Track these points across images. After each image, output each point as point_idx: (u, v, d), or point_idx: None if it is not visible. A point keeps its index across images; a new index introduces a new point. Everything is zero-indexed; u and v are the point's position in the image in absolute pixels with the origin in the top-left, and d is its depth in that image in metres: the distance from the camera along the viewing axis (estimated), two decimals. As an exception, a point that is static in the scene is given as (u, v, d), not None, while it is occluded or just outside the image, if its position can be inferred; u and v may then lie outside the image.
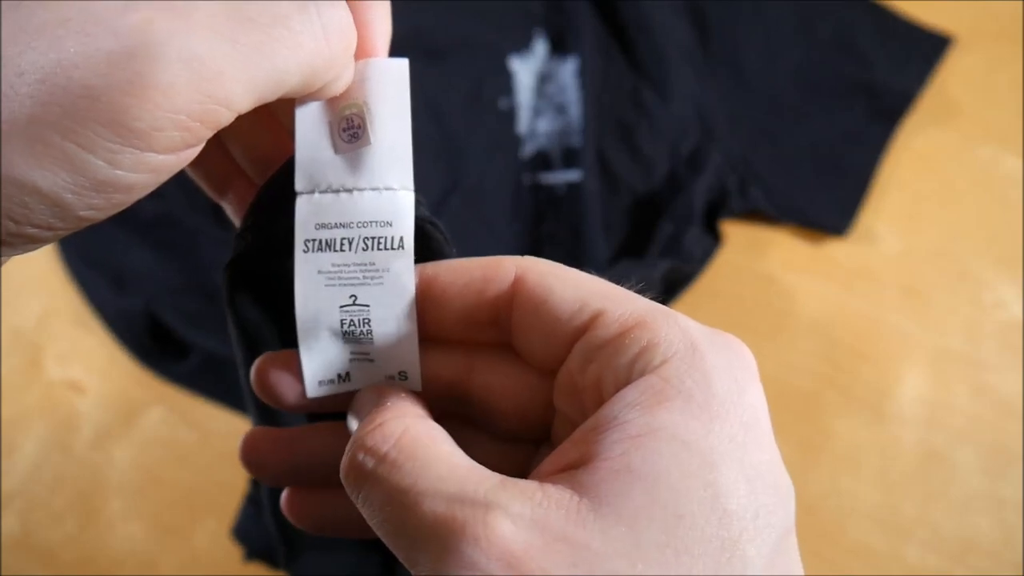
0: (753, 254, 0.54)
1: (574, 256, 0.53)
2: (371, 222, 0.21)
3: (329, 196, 0.21)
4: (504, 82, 0.56)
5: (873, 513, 0.47)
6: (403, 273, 0.21)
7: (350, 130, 0.21)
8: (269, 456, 0.24)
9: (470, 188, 0.54)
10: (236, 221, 0.25)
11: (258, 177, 0.24)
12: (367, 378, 0.23)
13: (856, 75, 0.56)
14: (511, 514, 0.15)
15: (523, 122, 0.55)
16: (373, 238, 0.21)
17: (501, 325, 0.21)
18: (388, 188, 0.21)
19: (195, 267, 0.53)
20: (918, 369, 0.50)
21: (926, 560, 0.45)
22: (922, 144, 0.56)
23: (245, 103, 0.17)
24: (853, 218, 0.53)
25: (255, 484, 0.45)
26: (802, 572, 0.18)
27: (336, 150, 0.21)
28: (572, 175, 0.54)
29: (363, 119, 0.20)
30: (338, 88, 0.20)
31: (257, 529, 0.45)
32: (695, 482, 0.16)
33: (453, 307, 0.21)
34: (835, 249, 0.54)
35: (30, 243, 0.17)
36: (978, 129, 0.56)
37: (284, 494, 0.24)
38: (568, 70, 0.56)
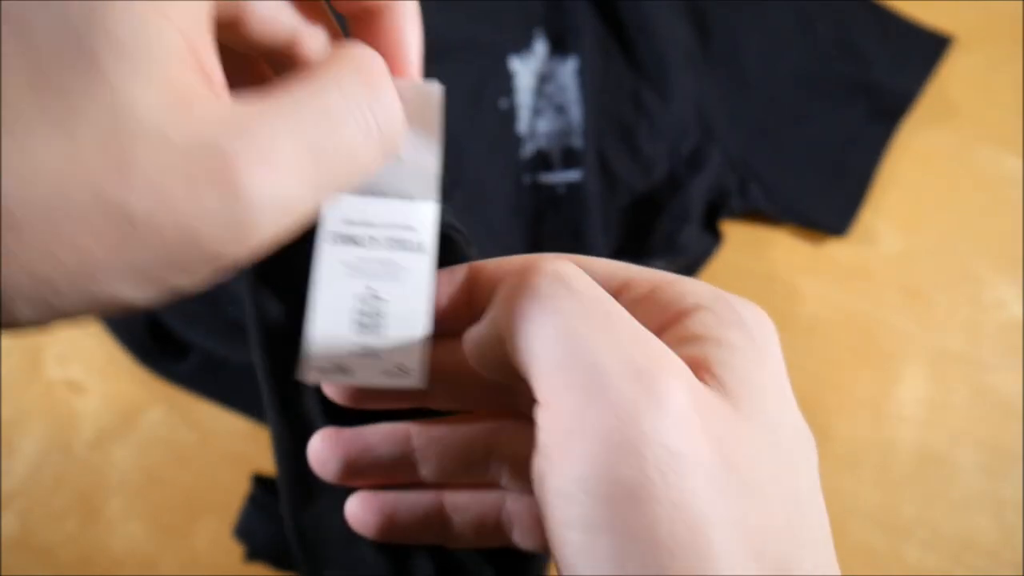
0: (753, 254, 0.54)
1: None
2: (396, 225, 0.22)
3: (358, 199, 0.22)
4: (504, 82, 0.56)
5: (873, 513, 0.47)
6: (422, 274, 0.22)
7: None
8: (337, 451, 0.25)
9: (470, 188, 0.54)
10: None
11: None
12: (368, 375, 0.23)
13: (856, 75, 0.56)
14: (686, 381, 0.18)
15: (523, 122, 0.55)
16: (397, 239, 0.22)
17: None
18: (414, 198, 0.22)
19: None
20: (918, 369, 0.50)
21: (926, 560, 0.45)
22: (922, 144, 0.56)
23: (306, 220, 0.18)
24: (853, 218, 0.53)
25: (257, 484, 0.45)
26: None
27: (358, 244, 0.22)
28: (572, 175, 0.54)
29: None
30: None
31: (258, 529, 0.45)
32: (780, 392, 0.20)
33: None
34: (835, 249, 0.54)
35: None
36: (978, 129, 0.56)
37: (353, 497, 0.26)
38: (568, 70, 0.56)
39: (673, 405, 0.17)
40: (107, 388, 0.52)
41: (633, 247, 0.52)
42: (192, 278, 0.17)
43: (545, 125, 0.55)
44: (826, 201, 0.54)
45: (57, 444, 0.51)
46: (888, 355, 0.50)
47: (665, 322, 0.20)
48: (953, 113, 0.57)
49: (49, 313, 0.16)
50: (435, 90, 0.22)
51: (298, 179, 0.17)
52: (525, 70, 0.56)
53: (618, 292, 0.21)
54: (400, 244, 0.22)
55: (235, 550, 0.46)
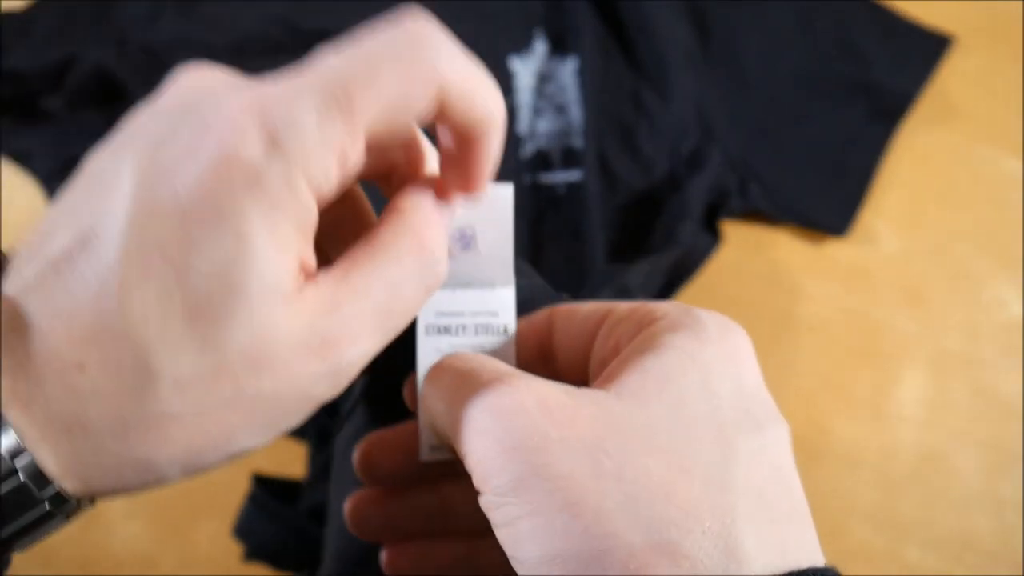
0: (753, 254, 0.54)
1: (574, 255, 0.53)
2: (481, 312, 0.26)
3: (446, 292, 0.25)
4: (504, 82, 0.56)
5: (873, 513, 0.47)
6: (507, 354, 0.26)
7: (463, 240, 0.25)
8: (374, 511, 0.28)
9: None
10: None
11: None
12: None
13: (856, 75, 0.56)
14: (551, 384, 0.21)
15: (523, 122, 0.56)
16: (483, 324, 0.26)
17: (547, 357, 0.26)
18: (495, 286, 0.26)
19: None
20: (918, 369, 0.50)
21: (926, 560, 0.45)
22: (922, 144, 0.56)
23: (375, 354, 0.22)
24: (853, 219, 0.53)
25: (257, 483, 0.45)
26: (796, 476, 0.21)
27: (450, 255, 0.25)
28: (572, 175, 0.54)
29: (474, 233, 0.25)
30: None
31: (257, 528, 0.45)
32: (694, 380, 0.20)
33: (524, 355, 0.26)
34: (835, 249, 0.54)
35: None
36: (978, 129, 0.56)
37: (384, 550, 0.28)
38: (568, 70, 0.56)
39: (550, 403, 0.20)
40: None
41: (633, 246, 0.52)
42: (298, 420, 0.21)
43: (545, 125, 0.55)
44: (826, 201, 0.54)
45: (57, 444, 0.51)
46: (888, 355, 0.50)
47: (635, 334, 0.22)
48: (953, 113, 0.57)
49: (194, 472, 0.20)
50: (507, 192, 0.25)
51: (374, 339, 0.21)
52: (525, 70, 0.56)
53: (602, 319, 0.24)
54: (486, 328, 0.26)
55: (235, 550, 0.46)
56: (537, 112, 0.56)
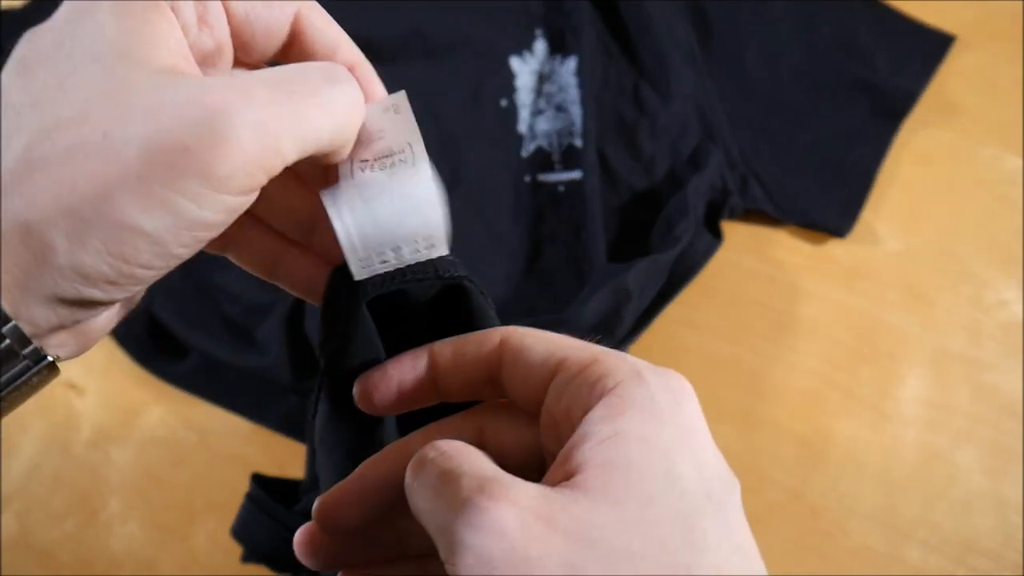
0: (754, 253, 0.54)
1: (574, 255, 0.52)
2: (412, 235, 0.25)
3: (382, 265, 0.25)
4: (504, 82, 0.56)
5: (874, 513, 0.47)
6: (423, 169, 0.25)
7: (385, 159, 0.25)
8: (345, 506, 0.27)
9: (470, 188, 0.53)
10: (293, 293, 0.29)
11: (303, 238, 0.29)
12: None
13: (857, 74, 0.56)
14: (530, 491, 0.20)
15: (523, 121, 0.55)
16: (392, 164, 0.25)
17: (495, 383, 0.26)
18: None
19: (195, 268, 0.53)
20: (918, 369, 0.50)
21: (927, 560, 0.45)
22: (922, 144, 0.56)
23: (292, 155, 0.22)
24: (854, 219, 0.53)
25: (255, 483, 0.45)
26: (754, 545, 0.22)
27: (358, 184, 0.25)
28: (572, 174, 0.54)
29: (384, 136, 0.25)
30: (346, 152, 0.25)
31: (256, 530, 0.45)
32: (658, 469, 0.21)
33: (461, 375, 0.26)
34: (835, 249, 0.54)
35: (134, 283, 0.21)
36: (978, 129, 0.56)
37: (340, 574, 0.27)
38: (568, 69, 0.56)
39: (510, 532, 0.20)
40: (106, 388, 0.52)
41: (633, 246, 0.52)
42: (197, 203, 0.20)
43: (545, 124, 0.55)
44: (827, 201, 0.54)
45: (56, 444, 0.51)
46: (889, 355, 0.50)
47: (587, 401, 0.22)
48: (954, 112, 0.56)
49: (84, 253, 0.20)
50: (400, 97, 0.25)
51: (274, 118, 0.21)
52: (525, 70, 0.56)
53: (553, 373, 0.24)
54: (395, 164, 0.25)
55: (234, 550, 0.45)
56: (537, 112, 0.56)
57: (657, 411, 0.22)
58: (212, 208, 0.21)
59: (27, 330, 0.21)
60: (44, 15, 0.22)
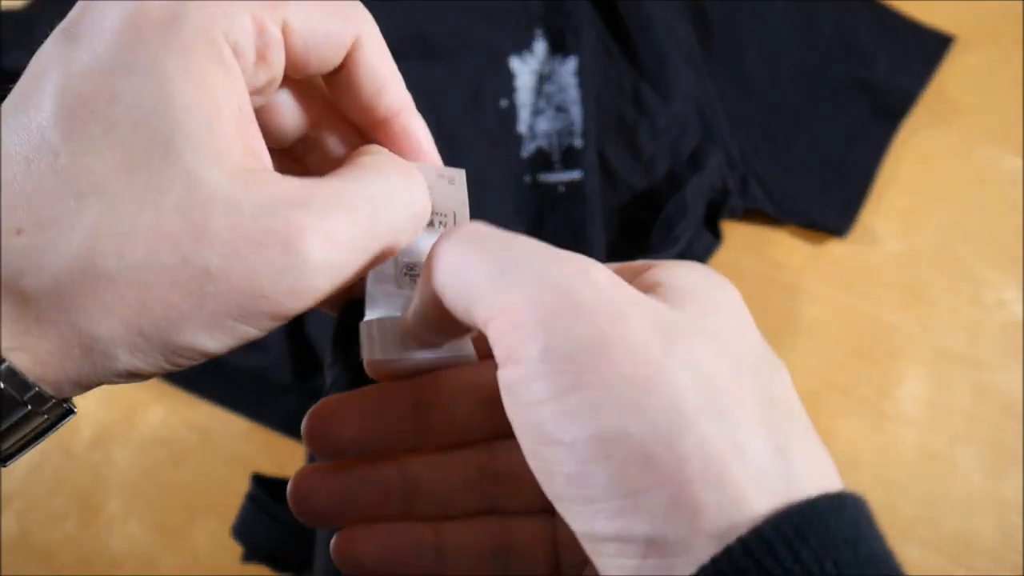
0: (754, 253, 0.54)
1: (574, 256, 0.52)
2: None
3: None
4: (504, 82, 0.56)
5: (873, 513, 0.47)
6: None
7: (411, 274, 0.24)
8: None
9: (470, 187, 0.53)
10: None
11: (296, 148, 0.26)
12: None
13: (857, 74, 0.56)
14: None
15: (523, 122, 0.55)
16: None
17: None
18: None
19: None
20: (918, 369, 0.50)
21: (927, 560, 0.45)
22: (922, 144, 0.56)
23: (354, 280, 0.21)
24: (854, 219, 0.53)
25: (255, 483, 0.45)
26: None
27: (399, 287, 0.24)
28: (572, 174, 0.54)
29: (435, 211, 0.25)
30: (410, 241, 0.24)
31: (256, 529, 0.45)
32: (726, 307, 0.20)
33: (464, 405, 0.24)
34: (835, 249, 0.54)
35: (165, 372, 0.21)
36: (978, 129, 0.56)
37: (340, 534, 0.24)
38: (568, 70, 0.56)
39: (601, 280, 0.18)
40: (106, 388, 0.52)
41: (633, 246, 0.52)
42: (257, 327, 0.20)
43: (545, 124, 0.55)
44: (827, 201, 0.54)
45: (56, 444, 0.51)
46: (888, 355, 0.50)
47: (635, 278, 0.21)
48: (954, 112, 0.56)
49: (142, 361, 0.20)
50: (459, 173, 0.26)
51: (348, 249, 0.20)
52: (525, 70, 0.56)
53: None
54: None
55: (234, 550, 0.45)
56: (537, 112, 0.56)
57: (711, 275, 0.21)
58: (267, 329, 0.20)
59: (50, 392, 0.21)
60: (44, 15, 0.22)
